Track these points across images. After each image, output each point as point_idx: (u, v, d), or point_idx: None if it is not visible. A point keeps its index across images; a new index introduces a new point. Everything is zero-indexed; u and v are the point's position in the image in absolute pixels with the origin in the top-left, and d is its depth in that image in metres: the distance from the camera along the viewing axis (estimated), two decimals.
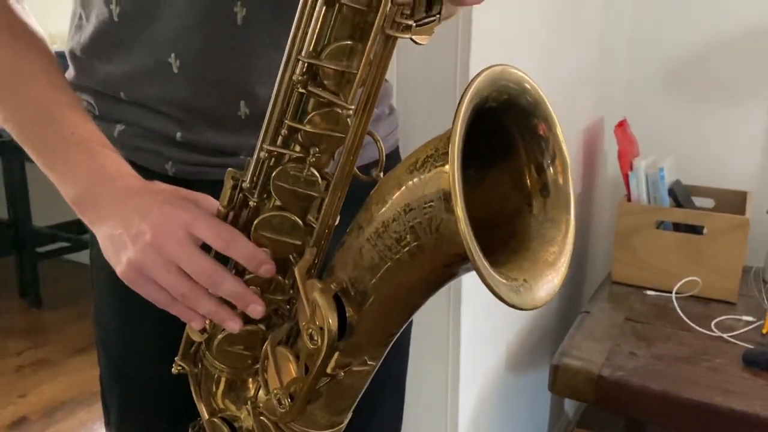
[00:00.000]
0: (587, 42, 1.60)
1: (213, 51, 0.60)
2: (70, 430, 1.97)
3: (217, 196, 0.55)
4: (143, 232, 0.51)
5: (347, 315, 0.48)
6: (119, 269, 0.53)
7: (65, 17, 0.69)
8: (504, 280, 0.41)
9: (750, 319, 1.36)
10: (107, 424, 0.78)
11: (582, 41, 1.56)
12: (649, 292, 1.50)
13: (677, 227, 1.51)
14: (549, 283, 0.44)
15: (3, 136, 2.51)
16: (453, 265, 0.44)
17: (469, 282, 1.12)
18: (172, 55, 0.60)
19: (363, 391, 0.55)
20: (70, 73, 0.68)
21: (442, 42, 1.03)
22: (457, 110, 0.39)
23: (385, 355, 0.53)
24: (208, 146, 0.64)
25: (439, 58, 1.04)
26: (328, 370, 0.50)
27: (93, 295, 0.75)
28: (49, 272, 2.84)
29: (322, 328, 0.47)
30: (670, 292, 1.44)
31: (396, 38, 0.45)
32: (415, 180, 0.43)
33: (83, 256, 2.90)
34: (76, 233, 2.71)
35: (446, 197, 0.40)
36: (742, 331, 1.32)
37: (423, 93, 1.06)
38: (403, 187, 0.44)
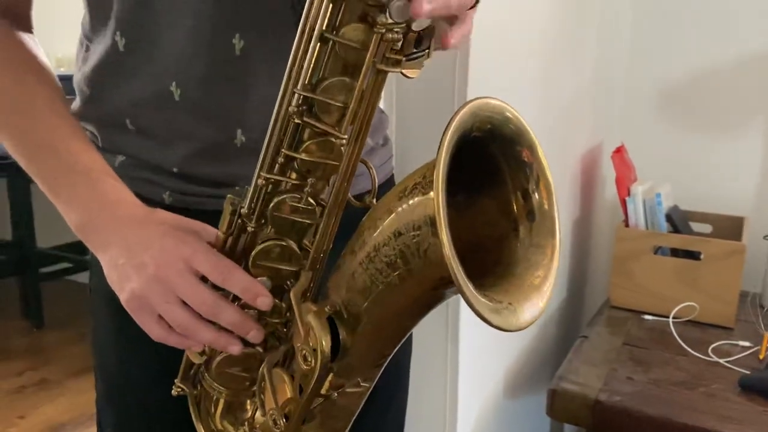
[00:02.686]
0: (584, 69, 1.62)
1: (212, 80, 0.62)
2: None
3: (213, 225, 0.57)
4: (146, 264, 0.53)
5: (340, 337, 0.50)
6: (123, 297, 0.55)
7: (70, 42, 0.71)
8: (488, 302, 0.43)
9: (747, 344, 1.36)
10: None
11: (579, 68, 1.59)
12: (646, 317, 1.51)
13: (675, 252, 1.52)
14: (534, 306, 0.45)
15: (9, 158, 2.53)
16: (441, 287, 0.45)
17: (467, 308, 1.13)
18: (174, 83, 0.62)
19: (357, 412, 0.56)
20: (76, 103, 0.69)
21: (439, 72, 1.05)
22: (441, 141, 0.41)
23: (378, 376, 0.55)
24: (204, 178, 0.65)
25: (437, 88, 1.06)
26: (323, 391, 0.51)
27: (91, 320, 0.76)
28: (52, 293, 2.85)
29: (315, 350, 0.49)
30: (668, 317, 1.45)
31: (386, 72, 0.47)
32: (404, 206, 0.45)
33: (85, 277, 2.89)
34: (79, 254, 2.73)
35: (432, 222, 0.42)
36: (739, 356, 1.32)
37: (421, 122, 1.08)
38: (393, 213, 0.46)
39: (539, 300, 0.46)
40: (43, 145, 0.60)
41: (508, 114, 0.46)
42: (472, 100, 0.44)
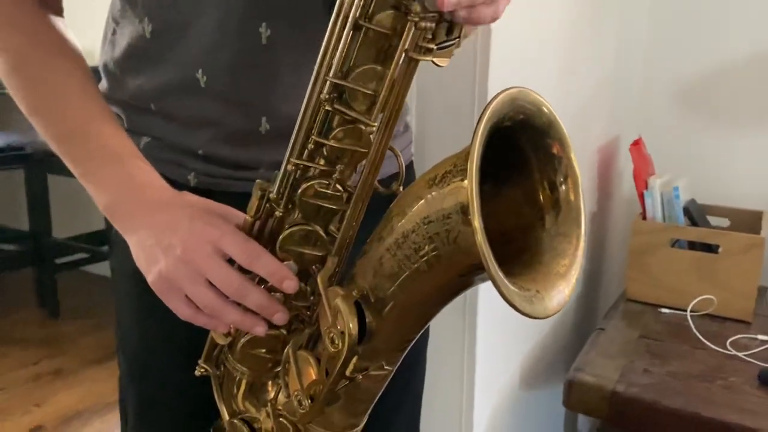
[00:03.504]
0: (603, 61, 1.62)
1: (238, 68, 0.62)
2: None
3: (236, 207, 0.58)
4: (174, 246, 0.54)
5: (367, 321, 0.51)
6: (150, 279, 0.56)
7: (92, 33, 0.72)
8: (518, 290, 0.43)
9: (765, 338, 1.36)
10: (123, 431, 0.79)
11: (598, 60, 1.58)
12: (663, 310, 1.50)
13: (692, 246, 1.52)
14: (560, 293, 0.46)
15: (26, 148, 2.56)
16: (468, 275, 0.46)
17: (484, 299, 1.14)
18: (200, 71, 0.62)
19: (379, 395, 0.57)
20: (103, 85, 0.70)
21: (460, 62, 1.05)
22: (475, 129, 0.41)
23: (401, 360, 0.55)
24: (228, 161, 0.66)
25: (458, 78, 1.06)
26: (347, 373, 0.52)
27: (114, 300, 0.77)
28: (67, 283, 2.87)
29: (343, 333, 0.49)
30: (685, 311, 1.45)
31: (418, 60, 0.48)
32: (434, 194, 0.45)
33: (101, 268, 2.93)
34: (95, 245, 2.75)
35: (464, 210, 0.42)
36: (757, 350, 1.31)
37: (441, 111, 1.08)
38: (423, 201, 0.46)
39: (565, 287, 0.47)
40: (74, 128, 0.61)
41: (543, 107, 0.46)
42: (507, 89, 0.44)
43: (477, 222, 0.41)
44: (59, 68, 0.62)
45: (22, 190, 2.74)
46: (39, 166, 2.56)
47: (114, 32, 0.68)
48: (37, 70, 0.62)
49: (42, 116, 0.62)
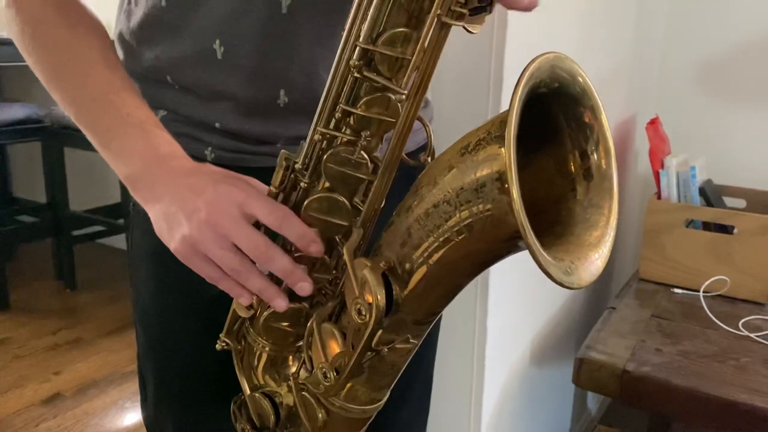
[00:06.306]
0: (621, 39, 1.60)
1: (257, 38, 0.61)
2: (102, 407, 2.03)
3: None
4: (198, 209, 0.53)
5: (393, 293, 0.50)
6: (173, 245, 0.54)
7: (109, 6, 0.72)
8: (553, 261, 0.43)
9: None
10: (143, 401, 0.79)
11: (616, 38, 1.57)
12: (676, 290, 1.51)
13: (707, 226, 1.51)
14: (593, 264, 0.45)
15: (43, 121, 2.58)
16: (501, 245, 0.45)
17: (496, 275, 1.14)
18: (217, 41, 0.61)
19: (402, 369, 0.57)
20: (119, 57, 0.69)
21: (477, 36, 1.04)
22: (513, 93, 0.40)
23: (425, 334, 0.55)
24: (246, 135, 0.65)
25: (474, 53, 1.05)
26: (373, 345, 0.51)
27: (133, 274, 0.76)
28: (84, 255, 2.90)
29: (370, 304, 0.48)
30: (698, 291, 1.45)
31: (450, 26, 0.46)
32: (467, 162, 0.44)
33: (117, 241, 2.96)
34: (111, 218, 2.78)
35: (500, 177, 0.41)
36: None
37: (456, 88, 1.07)
38: (455, 169, 0.45)
39: (598, 258, 0.46)
40: (96, 96, 0.59)
41: (577, 76, 0.45)
42: (544, 54, 0.43)
43: (515, 190, 0.40)
44: (81, 37, 0.61)
45: (39, 163, 2.76)
46: (56, 138, 2.57)
47: (130, 2, 0.67)
48: (59, 38, 0.61)
49: (62, 83, 0.60)
